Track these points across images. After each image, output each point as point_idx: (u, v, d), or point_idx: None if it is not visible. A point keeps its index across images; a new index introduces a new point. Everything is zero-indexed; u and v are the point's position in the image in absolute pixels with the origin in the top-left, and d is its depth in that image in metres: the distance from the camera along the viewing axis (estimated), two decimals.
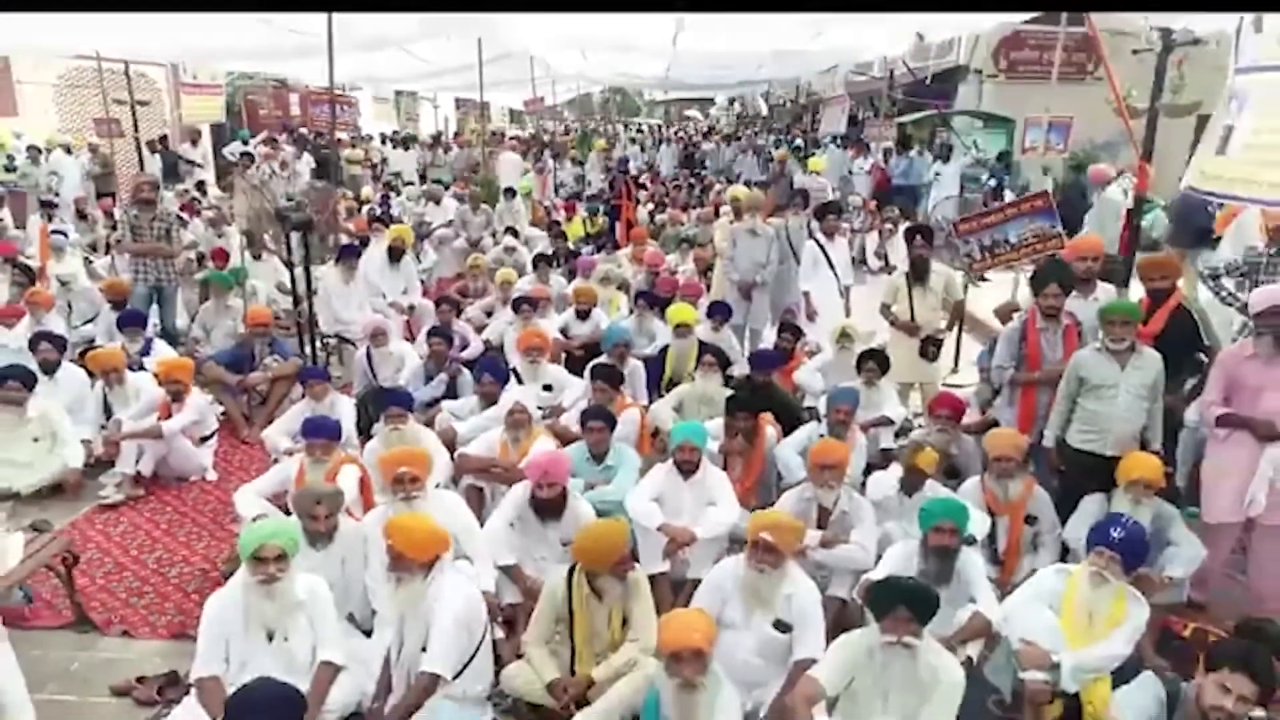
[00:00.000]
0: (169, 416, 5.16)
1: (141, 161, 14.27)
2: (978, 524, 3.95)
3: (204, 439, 5.37)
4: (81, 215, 11.38)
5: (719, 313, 6.58)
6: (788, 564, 3.31)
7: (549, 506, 3.84)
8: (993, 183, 12.83)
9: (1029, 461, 4.33)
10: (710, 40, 11.80)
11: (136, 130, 13.98)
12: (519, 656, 3.40)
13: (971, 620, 3.35)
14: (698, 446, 4.19)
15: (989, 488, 4.14)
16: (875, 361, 5.43)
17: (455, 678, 3.08)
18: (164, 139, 15.36)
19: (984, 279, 7.15)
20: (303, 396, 5.23)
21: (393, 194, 14.53)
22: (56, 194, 12.06)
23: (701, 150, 23.50)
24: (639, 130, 33.82)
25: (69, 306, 7.87)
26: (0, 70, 14.21)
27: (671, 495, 4.15)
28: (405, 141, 19.90)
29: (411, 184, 16.48)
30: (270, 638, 3.14)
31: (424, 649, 3.08)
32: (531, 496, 3.87)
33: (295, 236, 6.81)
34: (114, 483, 5.07)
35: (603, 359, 5.77)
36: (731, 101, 37.19)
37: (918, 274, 6.04)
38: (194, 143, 16.09)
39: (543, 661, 3.30)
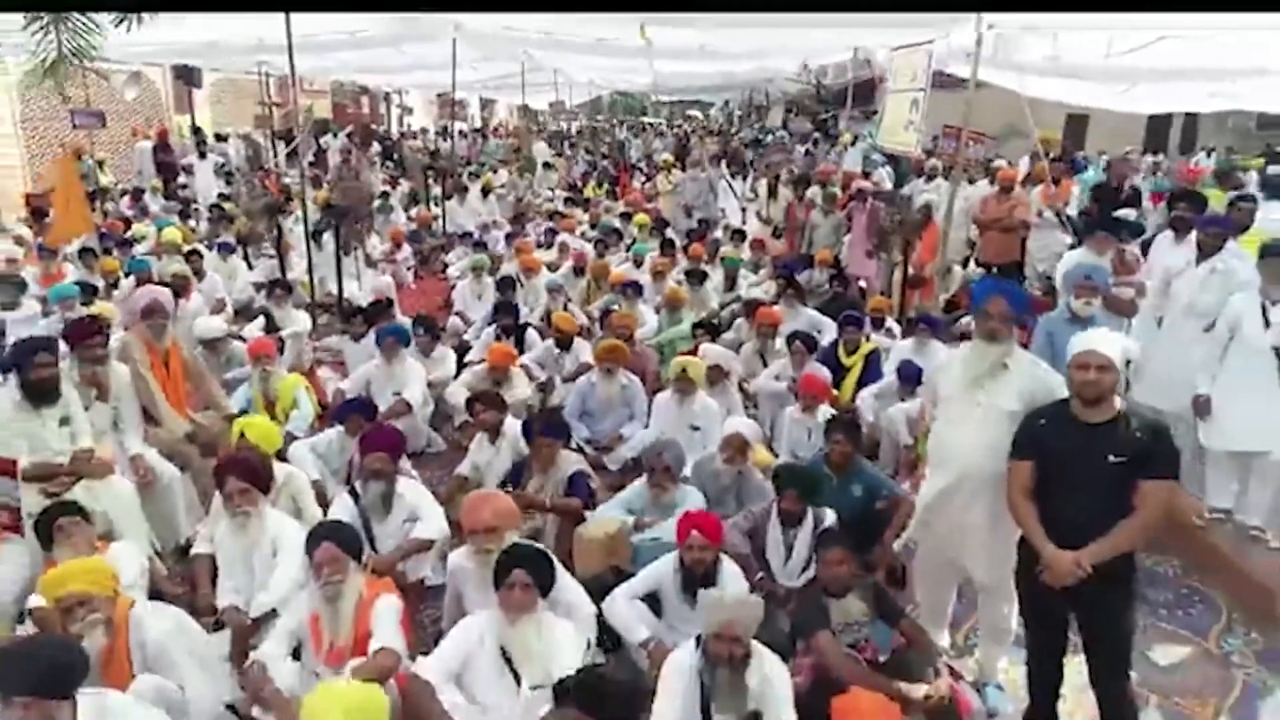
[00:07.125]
0: (392, 259, 10.73)
1: (275, 150, 19.87)
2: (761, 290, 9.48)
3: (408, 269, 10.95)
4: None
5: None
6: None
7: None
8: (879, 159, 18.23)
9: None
10: (674, 65, 17.20)
11: (273, 125, 19.61)
12: None
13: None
14: (643, 256, 9.71)
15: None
16: (740, 236, 10.96)
17: None
18: (289, 132, 20.96)
19: None
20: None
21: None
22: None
23: (691, 141, 28.96)
24: (641, 128, 39.28)
25: None
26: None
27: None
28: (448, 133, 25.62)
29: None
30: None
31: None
32: None
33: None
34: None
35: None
36: (726, 103, 42.69)
37: (771, 191, 11.59)
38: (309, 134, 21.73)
39: None
